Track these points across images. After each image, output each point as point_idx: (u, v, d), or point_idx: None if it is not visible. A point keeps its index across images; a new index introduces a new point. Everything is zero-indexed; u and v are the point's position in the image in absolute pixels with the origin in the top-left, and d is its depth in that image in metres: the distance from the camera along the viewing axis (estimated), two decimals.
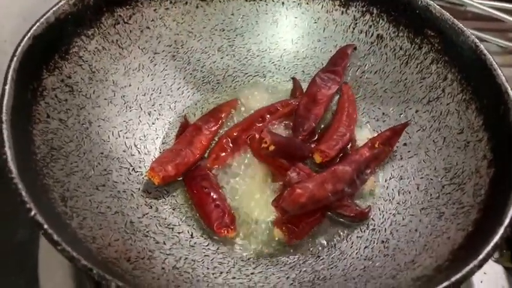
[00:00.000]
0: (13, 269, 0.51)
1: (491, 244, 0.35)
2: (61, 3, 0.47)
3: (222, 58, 0.58)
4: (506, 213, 0.37)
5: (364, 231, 0.46)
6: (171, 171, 0.47)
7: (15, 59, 0.41)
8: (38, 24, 0.45)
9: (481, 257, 0.34)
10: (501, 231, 0.35)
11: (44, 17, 0.45)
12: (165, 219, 0.46)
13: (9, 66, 0.41)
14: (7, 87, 0.40)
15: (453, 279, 0.33)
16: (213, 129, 0.52)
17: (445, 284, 0.33)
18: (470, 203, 0.42)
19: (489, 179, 0.42)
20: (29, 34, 0.44)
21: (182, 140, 0.51)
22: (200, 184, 0.48)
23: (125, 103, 0.52)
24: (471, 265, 0.34)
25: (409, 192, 0.48)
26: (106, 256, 0.38)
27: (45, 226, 0.33)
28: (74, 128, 0.46)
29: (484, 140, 0.45)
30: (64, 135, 0.45)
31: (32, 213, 0.33)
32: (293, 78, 0.58)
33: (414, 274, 0.38)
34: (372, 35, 0.56)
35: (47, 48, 0.46)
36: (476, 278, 0.49)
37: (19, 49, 0.42)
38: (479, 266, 0.34)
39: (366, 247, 0.45)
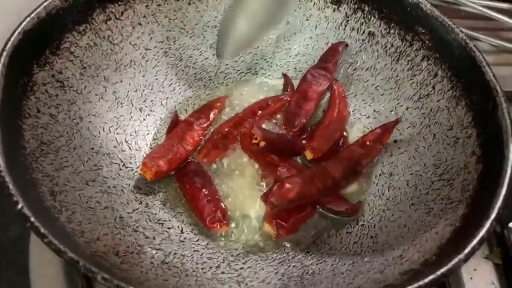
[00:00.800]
0: (4, 265, 0.51)
1: (477, 238, 0.35)
2: None
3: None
4: (493, 208, 0.37)
5: (354, 226, 0.46)
6: (163, 166, 0.48)
7: (4, 53, 0.42)
8: (28, 19, 0.45)
9: (466, 251, 0.34)
10: (487, 225, 0.36)
11: (35, 12, 0.45)
12: (155, 214, 0.46)
13: None
14: None
15: (439, 272, 0.34)
16: (205, 125, 0.52)
17: (431, 277, 0.34)
18: (458, 199, 0.42)
19: (477, 174, 0.42)
20: (19, 29, 0.44)
21: (174, 135, 0.51)
22: (192, 179, 0.48)
23: (116, 99, 0.52)
24: (456, 259, 0.34)
25: (399, 188, 0.48)
26: (94, 250, 0.38)
27: (32, 219, 0.33)
28: (65, 123, 0.46)
29: (473, 137, 0.45)
30: (54, 130, 0.45)
31: (19, 206, 0.33)
32: (284, 75, 0.58)
33: (402, 268, 0.39)
34: (364, 32, 0.56)
35: (38, 43, 0.46)
36: (466, 274, 0.49)
37: (9, 44, 0.42)
38: (465, 259, 0.34)
39: (355, 242, 0.45)
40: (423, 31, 0.52)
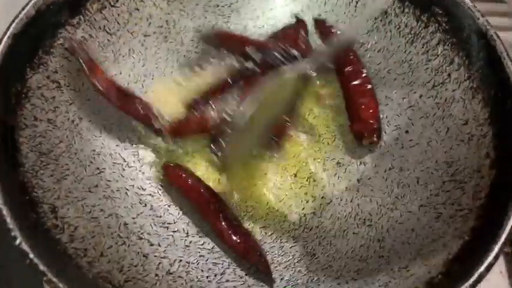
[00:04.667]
0: None
1: (484, 265, 0.34)
2: None
3: None
4: (504, 227, 0.35)
5: (361, 227, 0.46)
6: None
7: None
8: (17, 20, 0.42)
9: (471, 280, 0.33)
10: (496, 249, 0.34)
11: (23, 12, 0.43)
12: (160, 217, 0.46)
13: None
14: None
15: None
16: None
17: None
18: (469, 206, 0.41)
19: (490, 181, 0.40)
20: (8, 33, 0.42)
21: None
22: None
23: None
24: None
25: (408, 186, 0.46)
26: (97, 270, 0.38)
27: (31, 255, 0.33)
28: (64, 127, 0.45)
29: (489, 136, 0.43)
30: (53, 137, 0.44)
31: (17, 241, 0.33)
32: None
33: (406, 285, 0.38)
34: None
35: (30, 45, 0.44)
36: None
37: None
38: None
39: (361, 245, 0.44)
40: (440, 12, 0.48)
